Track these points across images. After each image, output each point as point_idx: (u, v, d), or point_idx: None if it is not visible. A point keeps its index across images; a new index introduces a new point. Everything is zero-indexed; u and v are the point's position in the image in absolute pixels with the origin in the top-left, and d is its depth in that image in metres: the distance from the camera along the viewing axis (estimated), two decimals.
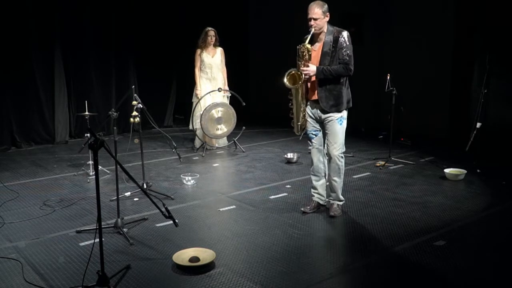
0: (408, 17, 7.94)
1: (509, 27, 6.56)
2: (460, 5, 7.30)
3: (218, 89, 7.14)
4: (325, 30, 4.26)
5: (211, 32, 7.18)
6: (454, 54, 7.41)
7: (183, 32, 9.28)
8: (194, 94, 7.39)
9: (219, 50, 7.30)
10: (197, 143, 7.47)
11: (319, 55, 4.25)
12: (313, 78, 4.29)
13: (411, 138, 7.59)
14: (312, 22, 4.18)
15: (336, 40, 4.19)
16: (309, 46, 4.21)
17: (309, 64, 4.20)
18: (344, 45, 4.18)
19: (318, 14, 4.17)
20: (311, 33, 4.19)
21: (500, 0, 6.67)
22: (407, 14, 7.94)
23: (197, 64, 7.25)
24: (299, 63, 4.26)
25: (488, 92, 6.54)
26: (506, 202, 4.89)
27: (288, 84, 4.31)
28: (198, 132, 7.30)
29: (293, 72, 4.30)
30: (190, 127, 7.52)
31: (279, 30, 9.54)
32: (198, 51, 7.23)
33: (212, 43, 7.20)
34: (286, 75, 4.30)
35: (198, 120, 7.15)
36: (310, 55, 4.22)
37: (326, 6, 4.23)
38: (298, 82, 4.28)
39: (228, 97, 7.42)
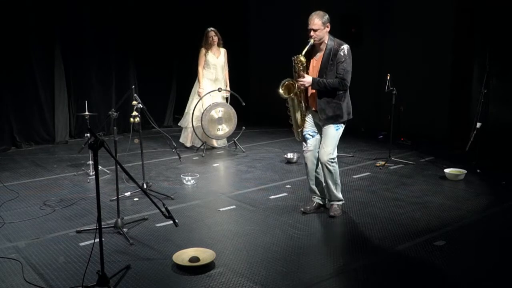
0: (408, 17, 7.93)
1: (509, 27, 6.55)
2: (460, 5, 7.29)
3: (218, 89, 7.14)
4: (326, 41, 4.23)
5: (211, 33, 7.14)
6: (454, 54, 7.40)
7: (183, 32, 9.29)
8: (193, 91, 7.38)
9: (223, 51, 7.28)
10: (184, 139, 7.41)
11: (319, 66, 4.24)
12: (311, 89, 4.29)
13: (411, 138, 7.59)
14: (312, 33, 4.15)
15: (335, 53, 4.17)
16: (303, 58, 4.19)
17: (305, 75, 4.21)
18: (343, 59, 4.15)
19: (318, 25, 4.13)
20: (310, 44, 4.17)
21: (500, 0, 6.67)
22: (407, 14, 7.94)
23: (201, 63, 7.21)
24: (295, 74, 4.27)
25: (488, 92, 6.53)
26: (506, 202, 4.88)
27: (283, 94, 4.31)
28: (198, 132, 7.29)
29: (287, 82, 4.30)
30: (181, 124, 7.49)
31: (279, 30, 9.54)
32: (203, 50, 7.19)
33: (215, 43, 7.16)
34: (281, 86, 4.30)
35: (199, 119, 7.13)
36: (304, 67, 4.23)
37: (326, 16, 4.19)
38: (292, 92, 4.29)
39: (228, 98, 7.41)
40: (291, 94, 4.31)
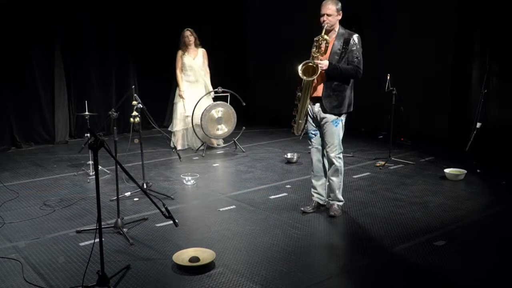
0: (408, 17, 7.93)
1: (509, 27, 6.55)
2: (460, 5, 7.30)
3: (218, 88, 7.13)
4: (336, 29, 4.25)
5: (186, 33, 7.01)
6: (454, 54, 7.41)
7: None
8: (176, 95, 7.29)
9: (201, 52, 7.12)
10: (176, 142, 7.30)
11: (328, 53, 4.24)
12: (321, 74, 4.26)
13: (411, 138, 7.60)
14: (325, 18, 4.17)
15: (347, 41, 4.18)
16: (327, 37, 4.16)
17: (322, 58, 4.18)
18: (355, 47, 4.17)
19: (332, 10, 4.16)
20: (324, 28, 4.16)
21: (500, 0, 6.67)
22: (407, 14, 7.94)
23: (178, 65, 7.14)
24: (315, 55, 4.19)
25: (488, 92, 6.53)
26: (506, 202, 4.88)
27: (303, 76, 4.19)
28: (197, 131, 7.26)
29: (310, 64, 4.19)
30: (170, 128, 7.38)
31: (279, 30, 9.54)
32: (180, 52, 7.10)
33: (191, 43, 7.02)
34: (301, 66, 4.18)
35: (188, 121, 7.06)
36: (327, 47, 4.19)
37: (340, 4, 4.23)
38: (313, 75, 4.16)
39: (228, 97, 7.39)
40: (314, 76, 4.16)
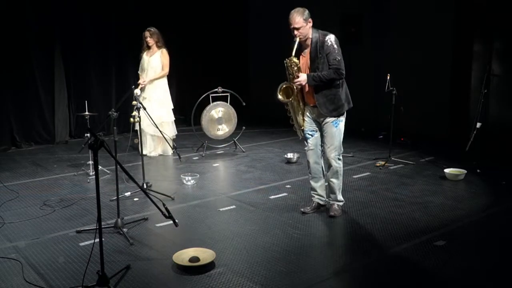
0: (407, 17, 7.93)
1: (509, 27, 6.56)
2: (460, 5, 7.30)
3: (218, 88, 7.12)
4: (311, 36, 4.21)
5: (145, 33, 6.69)
6: (454, 54, 7.41)
7: (182, 32, 9.28)
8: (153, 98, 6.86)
9: (159, 52, 6.72)
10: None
11: (309, 61, 4.23)
12: (307, 86, 4.28)
13: (411, 138, 7.59)
14: (296, 32, 4.13)
15: (322, 45, 4.14)
16: (295, 59, 4.19)
17: (299, 74, 4.19)
18: (332, 49, 4.13)
19: (300, 23, 4.10)
20: (297, 42, 4.15)
21: (500, 1, 6.67)
22: (407, 14, 7.94)
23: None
24: (290, 76, 4.26)
25: (488, 92, 6.53)
26: (506, 202, 4.88)
27: (282, 99, 4.28)
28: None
29: (284, 86, 4.28)
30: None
31: (279, 30, 9.52)
32: (142, 53, 6.84)
33: (151, 44, 6.69)
34: (278, 90, 4.27)
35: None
36: (299, 68, 4.22)
37: (306, 12, 4.16)
38: (292, 96, 4.27)
39: (226, 97, 7.36)
40: (291, 99, 4.29)
